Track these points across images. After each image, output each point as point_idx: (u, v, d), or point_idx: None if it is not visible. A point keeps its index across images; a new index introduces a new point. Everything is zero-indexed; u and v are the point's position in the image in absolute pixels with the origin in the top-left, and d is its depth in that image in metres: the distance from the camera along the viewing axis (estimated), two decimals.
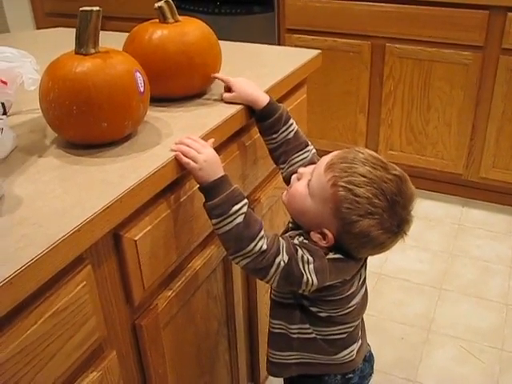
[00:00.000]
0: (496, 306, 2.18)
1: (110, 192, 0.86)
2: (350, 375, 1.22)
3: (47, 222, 0.80)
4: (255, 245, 0.99)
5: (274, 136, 1.20)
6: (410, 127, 2.76)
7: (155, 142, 1.04)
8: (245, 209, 1.00)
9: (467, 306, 2.18)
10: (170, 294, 1.08)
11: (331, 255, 1.05)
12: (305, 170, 1.11)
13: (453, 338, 2.03)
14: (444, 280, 2.33)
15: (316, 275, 1.02)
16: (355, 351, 1.21)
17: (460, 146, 2.70)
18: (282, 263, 1.01)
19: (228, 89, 1.24)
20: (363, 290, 1.18)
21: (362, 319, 1.25)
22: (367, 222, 0.99)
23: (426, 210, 2.80)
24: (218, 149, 1.11)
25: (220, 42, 1.27)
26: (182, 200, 1.05)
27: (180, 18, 1.21)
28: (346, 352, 1.18)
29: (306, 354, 1.18)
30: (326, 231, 1.04)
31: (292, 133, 1.20)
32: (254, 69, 1.44)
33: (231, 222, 0.98)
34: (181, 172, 1.00)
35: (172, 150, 0.99)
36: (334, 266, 1.05)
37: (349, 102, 2.84)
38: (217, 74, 1.25)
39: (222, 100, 1.23)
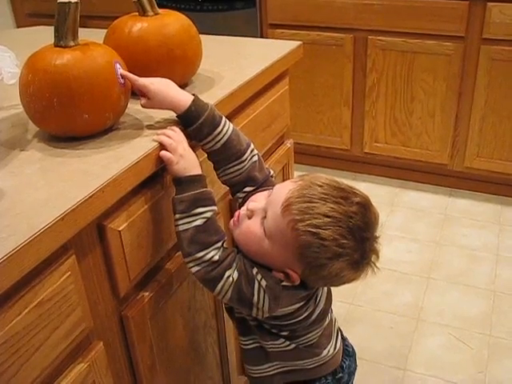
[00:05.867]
0: (483, 294, 2.20)
1: (93, 182, 0.86)
2: (340, 374, 1.17)
3: (30, 212, 0.79)
4: (207, 253, 0.96)
5: (200, 144, 1.07)
6: (394, 119, 2.78)
7: (137, 133, 1.04)
8: (209, 214, 0.97)
9: (455, 294, 2.20)
10: (156, 284, 1.08)
11: (285, 282, 0.99)
12: (255, 207, 1.00)
13: (442, 326, 2.05)
14: (432, 269, 2.35)
15: (269, 300, 0.97)
16: (337, 344, 1.17)
17: (444, 137, 2.72)
18: (230, 279, 0.96)
19: (143, 93, 1.05)
20: (323, 299, 1.10)
21: (331, 310, 1.18)
22: (338, 265, 0.93)
23: (412, 200, 2.82)
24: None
25: (201, 35, 1.27)
26: (165, 191, 1.05)
27: (159, 10, 1.21)
28: (329, 347, 1.14)
29: (288, 363, 1.13)
30: (291, 272, 0.97)
31: (219, 144, 1.04)
32: (235, 61, 1.44)
33: (190, 222, 0.96)
34: (163, 163, 1.00)
35: (154, 140, 0.99)
36: (287, 293, 1.00)
37: (333, 95, 2.85)
38: (127, 73, 1.03)
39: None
